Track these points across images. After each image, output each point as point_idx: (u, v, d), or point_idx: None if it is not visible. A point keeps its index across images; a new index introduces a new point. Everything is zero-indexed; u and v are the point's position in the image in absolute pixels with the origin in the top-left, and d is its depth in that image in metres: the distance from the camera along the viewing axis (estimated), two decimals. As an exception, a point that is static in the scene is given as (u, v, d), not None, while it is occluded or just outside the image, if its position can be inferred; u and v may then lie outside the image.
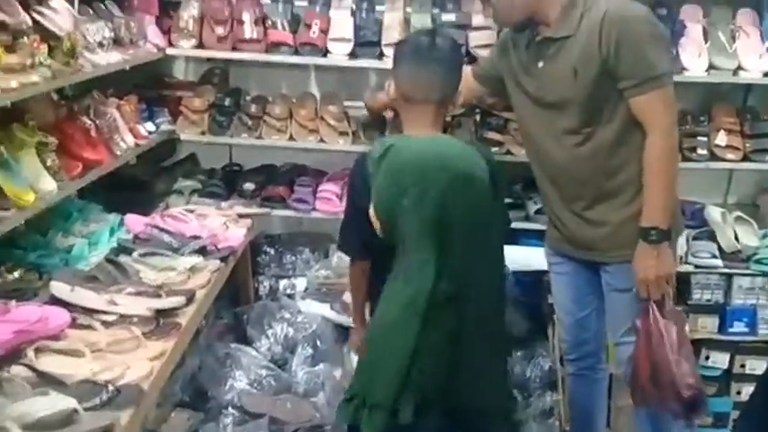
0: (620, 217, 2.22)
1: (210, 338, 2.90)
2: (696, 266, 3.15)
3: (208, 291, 2.37)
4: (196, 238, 2.60)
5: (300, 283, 3.20)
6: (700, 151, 3.11)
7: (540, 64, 2.22)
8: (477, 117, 3.17)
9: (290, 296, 3.19)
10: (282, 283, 3.21)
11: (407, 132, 1.99)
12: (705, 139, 3.13)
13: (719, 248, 3.13)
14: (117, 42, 2.68)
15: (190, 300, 2.22)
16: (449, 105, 2.04)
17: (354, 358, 2.88)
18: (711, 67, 3.06)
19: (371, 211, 1.91)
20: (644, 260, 2.15)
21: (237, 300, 3.17)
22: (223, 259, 2.55)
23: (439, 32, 2.05)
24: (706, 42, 3.10)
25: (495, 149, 3.00)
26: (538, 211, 3.18)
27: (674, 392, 2.15)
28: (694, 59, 3.06)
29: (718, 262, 3.12)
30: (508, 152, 3.12)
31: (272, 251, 3.26)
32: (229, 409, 2.56)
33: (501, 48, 2.41)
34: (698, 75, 3.05)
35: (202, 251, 2.53)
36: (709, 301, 3.18)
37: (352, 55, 3.06)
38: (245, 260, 3.10)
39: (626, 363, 2.33)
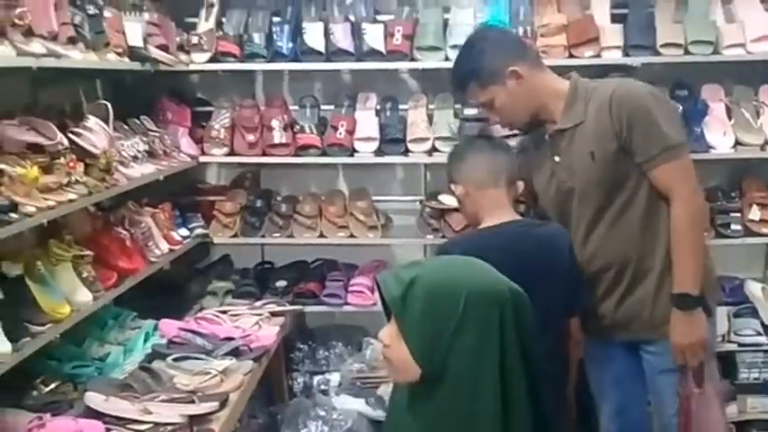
0: (654, 293, 2.21)
1: None
2: (740, 345, 3.07)
3: (241, 392, 2.38)
4: (230, 339, 2.63)
5: (334, 379, 3.19)
6: (734, 227, 3.08)
7: (557, 158, 2.26)
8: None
9: (325, 392, 3.17)
10: (317, 378, 3.21)
11: (486, 219, 2.23)
12: (738, 214, 3.11)
13: (762, 324, 3.05)
14: (151, 155, 2.80)
15: (223, 404, 2.23)
16: (515, 190, 2.28)
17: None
18: (738, 143, 3.07)
19: None
20: (677, 327, 2.14)
21: (272, 398, 3.17)
22: (256, 359, 2.57)
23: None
24: (730, 120, 3.11)
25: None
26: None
27: None
28: (720, 137, 3.08)
29: (764, 339, 3.04)
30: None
31: (306, 347, 3.27)
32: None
33: (520, 149, 2.47)
34: (725, 152, 3.06)
35: (235, 352, 2.55)
36: (757, 379, 3.08)
37: (379, 152, 3.15)
38: (279, 358, 3.11)
39: None
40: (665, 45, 2.98)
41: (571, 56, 3.02)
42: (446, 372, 1.42)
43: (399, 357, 1.47)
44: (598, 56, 3.02)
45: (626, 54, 3.03)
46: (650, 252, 2.21)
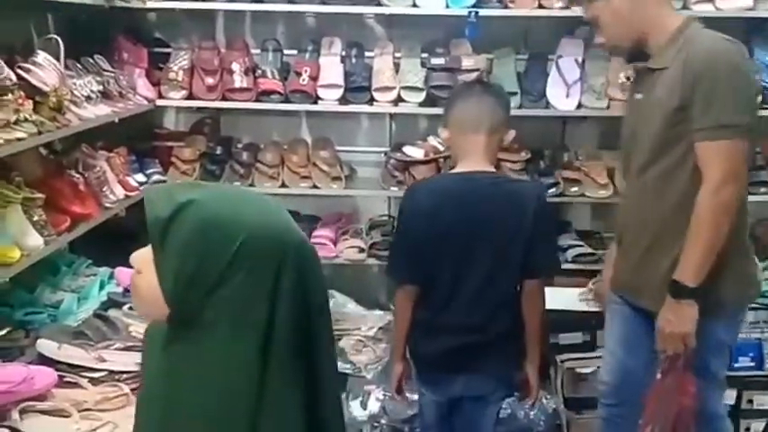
0: (671, 272, 2.09)
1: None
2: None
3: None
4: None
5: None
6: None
7: (638, 96, 2.20)
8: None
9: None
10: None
11: (459, 165, 2.21)
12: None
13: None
14: (106, 96, 2.67)
15: None
16: (499, 138, 2.23)
17: (354, 406, 2.83)
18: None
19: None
20: (665, 312, 2.08)
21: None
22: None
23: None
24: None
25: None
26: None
27: None
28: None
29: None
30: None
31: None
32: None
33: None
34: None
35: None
36: (713, 336, 3.12)
37: (343, 100, 3.07)
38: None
39: None
40: None
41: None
42: (200, 321, 1.14)
43: (148, 289, 1.18)
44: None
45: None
46: (675, 233, 2.08)
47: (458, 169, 2.23)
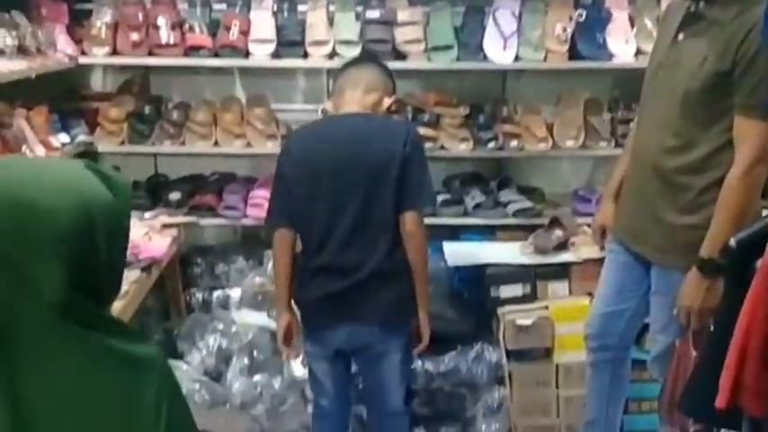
0: (680, 221, 2.10)
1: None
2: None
3: (126, 303, 2.24)
4: (115, 249, 2.47)
5: (235, 294, 3.08)
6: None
7: (681, 36, 2.09)
8: (409, 114, 3.11)
9: (225, 307, 3.07)
10: (216, 294, 3.09)
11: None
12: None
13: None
14: (22, 51, 2.55)
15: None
16: (377, 99, 2.20)
17: (295, 365, 2.78)
18: (639, 52, 3.05)
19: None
20: (692, 288, 2.03)
21: (169, 315, 3.04)
22: (144, 269, 2.43)
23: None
24: (633, 29, 3.09)
25: (428, 145, 2.93)
26: (476, 206, 3.13)
27: (681, 424, 2.09)
28: (622, 46, 3.06)
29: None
30: (442, 147, 3.08)
31: (204, 262, 3.14)
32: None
33: (665, 14, 2.32)
34: (627, 61, 3.04)
35: (121, 262, 2.40)
36: None
37: (275, 55, 2.98)
38: (175, 273, 2.98)
39: (652, 360, 2.33)
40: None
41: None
42: None
43: None
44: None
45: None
46: (686, 187, 2.07)
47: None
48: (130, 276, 2.33)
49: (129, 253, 2.41)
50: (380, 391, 2.28)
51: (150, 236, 2.67)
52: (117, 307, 2.14)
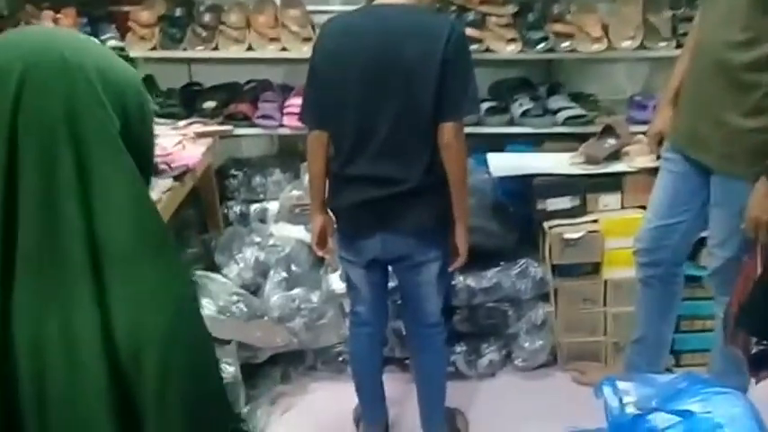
0: (744, 125, 1.97)
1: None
2: None
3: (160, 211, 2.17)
4: (147, 157, 2.39)
5: (272, 207, 3.01)
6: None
7: None
8: (453, 14, 2.91)
9: (262, 220, 3.00)
10: (253, 207, 3.02)
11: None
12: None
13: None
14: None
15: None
16: None
17: (333, 279, 2.72)
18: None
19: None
20: (761, 198, 1.91)
21: (206, 227, 2.99)
22: (177, 178, 2.35)
23: None
24: None
25: (473, 47, 2.74)
26: (523, 114, 2.96)
27: (744, 342, 2.00)
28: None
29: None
30: (488, 49, 2.89)
31: (241, 175, 3.06)
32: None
33: None
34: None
35: (154, 171, 2.32)
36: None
37: (311, -48, 2.80)
38: (211, 185, 2.90)
39: (710, 276, 2.23)
40: None
41: None
42: None
43: None
44: None
45: None
46: (751, 89, 1.94)
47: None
48: (163, 185, 2.25)
49: (161, 161, 2.36)
50: (417, 301, 2.21)
51: (184, 144, 2.58)
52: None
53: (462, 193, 2.06)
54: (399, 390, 2.59)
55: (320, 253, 2.25)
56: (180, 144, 2.57)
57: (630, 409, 1.88)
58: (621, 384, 1.95)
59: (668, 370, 2.69)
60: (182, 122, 2.79)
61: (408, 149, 1.98)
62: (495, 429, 2.51)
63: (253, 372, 2.62)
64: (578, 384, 2.74)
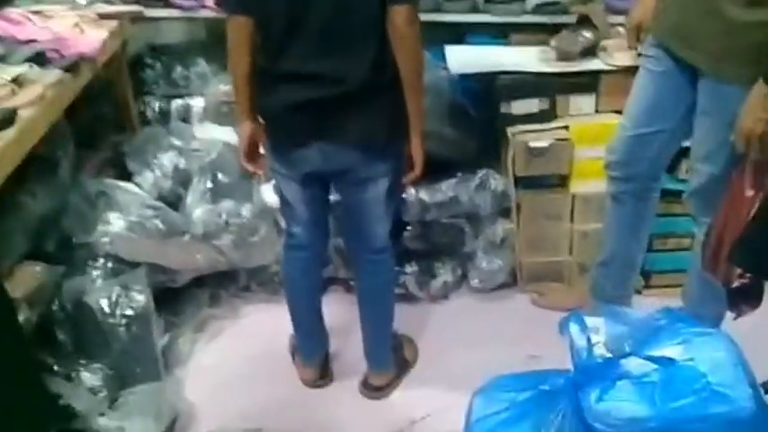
0: (743, 17, 1.65)
1: (84, 175, 2.31)
2: None
3: (43, 108, 1.77)
4: (33, 42, 1.96)
5: (197, 104, 2.60)
6: None
7: None
8: None
9: (185, 120, 2.60)
10: (175, 104, 2.60)
11: None
12: None
13: None
14: None
15: (9, 121, 1.63)
16: None
17: (266, 190, 2.37)
18: None
19: None
20: (756, 107, 1.62)
21: (122, 129, 2.57)
22: (69, 69, 1.93)
23: None
24: None
25: None
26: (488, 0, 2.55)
27: (725, 273, 1.76)
28: None
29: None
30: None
31: (159, 65, 2.61)
32: (99, 259, 2.03)
33: None
34: None
35: (40, 60, 1.90)
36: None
37: None
38: (122, 77, 2.47)
39: (691, 194, 1.96)
40: None
41: None
42: None
43: None
44: None
45: None
46: None
47: None
48: (48, 77, 1.84)
49: (49, 48, 1.93)
50: (361, 223, 1.89)
51: (82, 28, 2.14)
52: (25, 115, 1.68)
53: (417, 94, 1.72)
54: (343, 314, 2.30)
55: (249, 167, 1.91)
56: (77, 27, 2.12)
57: (600, 351, 1.63)
58: (590, 321, 1.69)
59: (637, 292, 2.49)
60: (82, 1, 2.32)
61: (351, 41, 1.63)
62: (448, 356, 2.27)
63: (174, 295, 2.30)
64: (538, 307, 2.50)
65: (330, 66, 1.64)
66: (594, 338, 1.69)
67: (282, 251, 2.06)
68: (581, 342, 1.66)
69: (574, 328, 1.68)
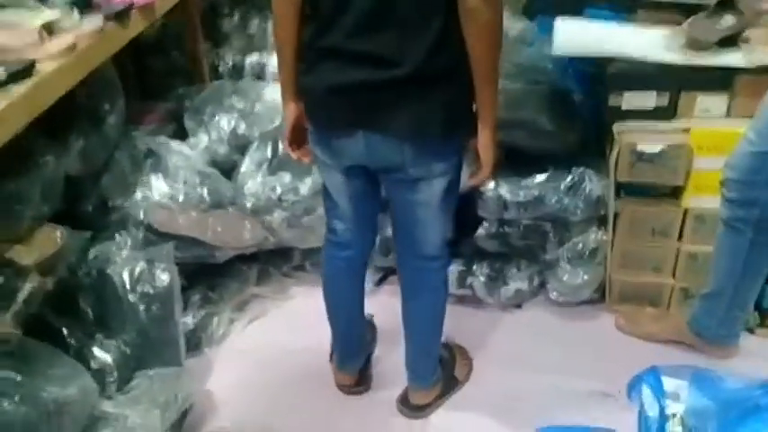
0: None
1: (141, 128, 2.16)
2: None
3: (72, 62, 1.60)
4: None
5: (273, 63, 2.38)
6: None
7: None
8: None
9: (261, 77, 2.40)
10: (249, 59, 2.40)
11: None
12: None
13: None
14: None
15: (21, 73, 1.46)
16: None
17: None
18: None
19: None
20: None
21: (193, 82, 2.41)
22: (115, 17, 1.75)
23: None
24: None
25: None
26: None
27: None
28: None
29: None
30: None
31: (237, 16, 2.41)
32: (130, 227, 1.87)
33: None
34: None
35: (82, 2, 1.72)
36: None
37: None
38: (193, 26, 2.29)
39: None
40: None
41: None
42: None
43: None
44: None
45: None
46: None
47: None
48: (86, 26, 1.66)
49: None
50: (411, 227, 1.62)
51: (144, -29, 1.95)
52: (47, 69, 1.51)
53: (490, 84, 1.43)
54: (397, 310, 2.05)
55: (293, 155, 1.67)
56: (137, -30, 1.93)
57: (675, 428, 1.32)
58: (669, 383, 1.38)
59: (749, 330, 2.09)
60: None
61: (411, 15, 1.34)
62: (505, 377, 1.99)
63: (216, 268, 2.13)
64: (623, 333, 2.15)
65: (384, 44, 1.36)
66: (671, 408, 1.37)
67: (323, 248, 1.82)
68: (652, 412, 1.35)
69: (646, 391, 1.37)
